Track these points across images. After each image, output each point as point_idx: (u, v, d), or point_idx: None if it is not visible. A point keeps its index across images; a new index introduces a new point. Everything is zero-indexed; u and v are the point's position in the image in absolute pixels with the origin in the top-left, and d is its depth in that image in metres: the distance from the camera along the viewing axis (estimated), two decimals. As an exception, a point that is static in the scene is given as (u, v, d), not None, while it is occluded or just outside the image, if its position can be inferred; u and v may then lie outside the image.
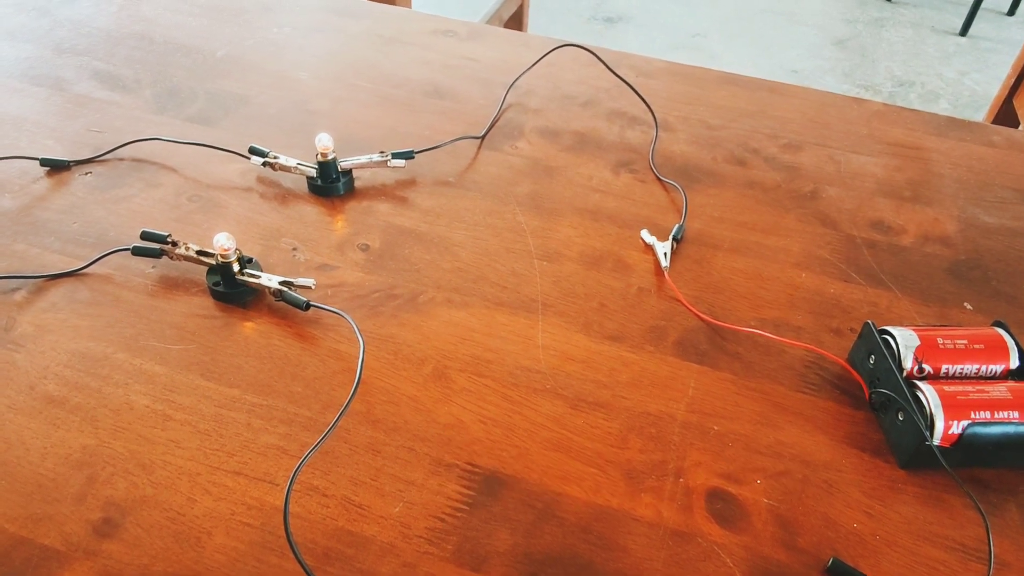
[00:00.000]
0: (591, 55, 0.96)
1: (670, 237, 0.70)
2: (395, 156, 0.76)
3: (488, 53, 0.97)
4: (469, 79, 0.92)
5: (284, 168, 0.75)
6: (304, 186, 0.75)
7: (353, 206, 0.73)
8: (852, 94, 0.89)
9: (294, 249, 0.68)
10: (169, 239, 0.64)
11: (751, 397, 0.58)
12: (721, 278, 0.68)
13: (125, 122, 0.82)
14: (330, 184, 0.74)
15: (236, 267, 0.62)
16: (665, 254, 0.68)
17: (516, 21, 2.52)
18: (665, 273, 0.67)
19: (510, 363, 0.59)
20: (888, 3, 3.38)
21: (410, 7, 2.04)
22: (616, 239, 0.71)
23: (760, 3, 3.39)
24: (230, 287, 0.63)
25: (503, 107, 0.87)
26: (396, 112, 0.86)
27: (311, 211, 0.73)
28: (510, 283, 0.66)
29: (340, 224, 0.71)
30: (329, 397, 0.56)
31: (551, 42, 0.98)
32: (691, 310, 0.64)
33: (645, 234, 0.71)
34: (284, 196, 0.74)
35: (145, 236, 0.64)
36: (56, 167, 0.75)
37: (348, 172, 0.75)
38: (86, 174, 0.75)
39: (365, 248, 0.69)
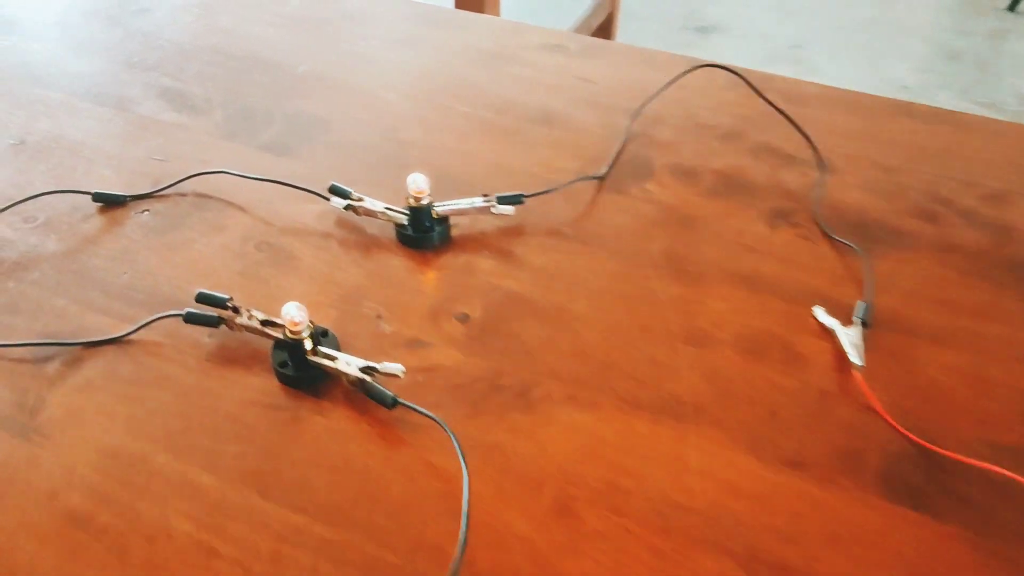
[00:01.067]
0: (729, 76, 0.80)
1: (855, 319, 0.54)
2: (501, 201, 0.62)
3: (605, 72, 0.83)
4: (584, 104, 0.78)
5: (369, 213, 0.62)
6: (391, 233, 0.62)
7: (449, 261, 0.60)
8: (973, 112, 0.69)
9: (378, 317, 0.56)
10: (230, 304, 0.53)
11: (997, 568, 0.42)
12: (928, 380, 0.52)
13: (191, 148, 0.71)
14: (423, 234, 0.61)
15: (308, 345, 0.50)
16: (855, 346, 0.52)
17: (605, 30, 2.37)
18: (855, 371, 0.51)
19: (655, 495, 0.45)
20: (1010, 13, 3.07)
21: (498, 15, 1.92)
22: (781, 317, 0.56)
23: (865, 12, 3.14)
24: (300, 369, 0.50)
25: (627, 139, 0.73)
26: (499, 143, 0.73)
27: (400, 267, 0.60)
28: (649, 376, 0.52)
29: (434, 285, 0.58)
30: (420, 535, 0.43)
31: (682, 61, 0.83)
32: (897, 428, 0.48)
33: (820, 313, 0.55)
34: (368, 246, 0.61)
35: (202, 299, 0.53)
36: (110, 203, 0.65)
37: (444, 219, 0.62)
38: (143, 212, 0.64)
39: (464, 319, 0.56)
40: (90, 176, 0.68)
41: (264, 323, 0.52)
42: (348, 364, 0.49)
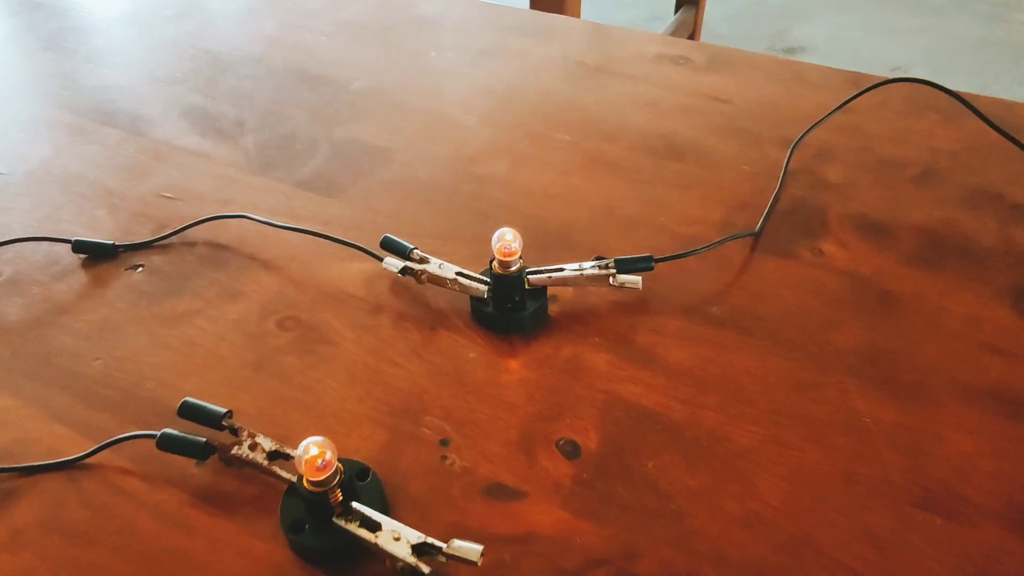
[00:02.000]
0: (912, 98, 0.60)
1: None
2: (622, 268, 0.44)
3: (742, 90, 0.64)
4: (720, 131, 0.59)
5: (436, 280, 0.45)
6: (465, 309, 0.45)
7: (547, 354, 0.42)
8: None
9: (443, 443, 0.38)
10: (227, 423, 0.36)
11: None
12: None
13: (213, 183, 0.56)
14: (511, 313, 0.43)
15: (337, 499, 0.32)
16: None
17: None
18: None
19: None
20: None
21: (578, 17, 1.76)
22: (1074, 470, 0.35)
23: (976, 31, 2.85)
24: (322, 537, 0.33)
25: (784, 179, 0.54)
26: (612, 182, 0.55)
27: (477, 361, 0.42)
28: (870, 564, 0.32)
29: (525, 391, 0.40)
30: None
31: (846, 77, 0.64)
32: None
33: None
34: (433, 328, 0.44)
35: (188, 413, 0.36)
36: (96, 254, 0.49)
37: (540, 291, 0.44)
38: (136, 268, 0.48)
39: (573, 451, 0.37)
40: (80, 218, 0.53)
41: (272, 456, 0.34)
42: (396, 539, 0.31)
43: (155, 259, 0.49)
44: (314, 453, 0.31)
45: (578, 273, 0.44)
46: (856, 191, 0.53)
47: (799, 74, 0.65)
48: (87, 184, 0.56)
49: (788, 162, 0.55)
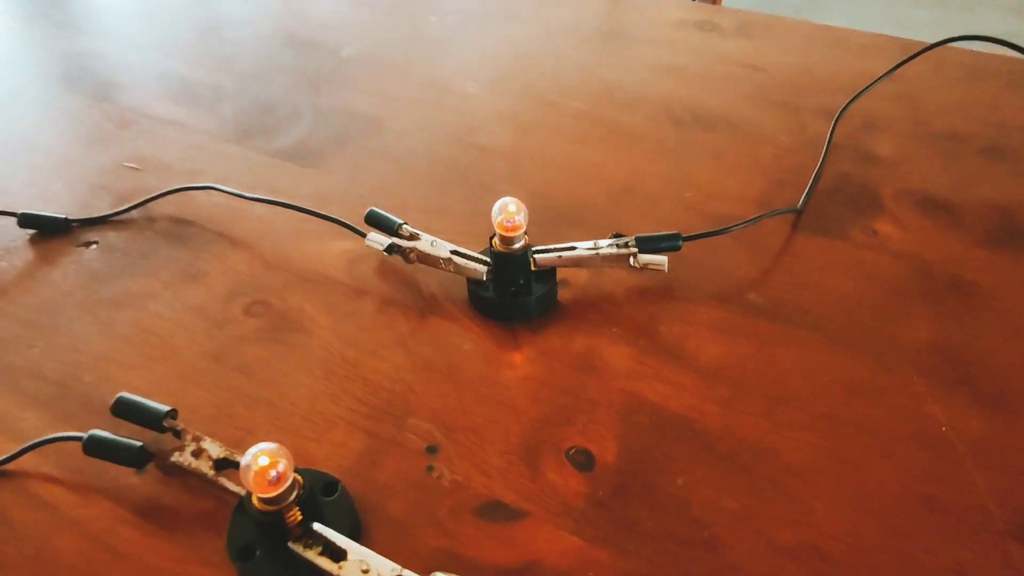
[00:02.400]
0: (967, 63, 0.53)
1: None
2: (644, 247, 0.37)
3: (779, 58, 0.57)
4: (753, 100, 0.53)
5: (427, 259, 0.39)
6: (461, 294, 0.38)
7: (558, 349, 0.36)
8: None
9: (430, 451, 0.31)
10: (168, 424, 0.29)
11: None
12: None
13: (183, 153, 0.50)
14: (514, 298, 0.37)
15: (295, 520, 0.26)
16: None
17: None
18: None
19: None
20: None
21: None
22: None
23: (1000, 26, 2.77)
24: (276, 567, 0.26)
25: (828, 152, 0.47)
26: (629, 153, 0.48)
27: (474, 355, 0.36)
28: (970, 623, 0.26)
29: (531, 390, 0.34)
30: None
31: (892, 42, 0.57)
32: None
33: None
34: (422, 315, 0.38)
35: (123, 410, 0.30)
36: (46, 229, 0.43)
37: (548, 274, 0.38)
38: (89, 245, 0.43)
39: (586, 463, 0.31)
40: (31, 189, 0.47)
41: (220, 465, 0.28)
42: (364, 571, 0.25)
43: (111, 236, 0.43)
44: (264, 464, 0.25)
45: (593, 252, 0.37)
46: (912, 166, 0.46)
47: (840, 39, 0.59)
48: (46, 152, 0.50)
49: (832, 134, 0.48)
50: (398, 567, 0.25)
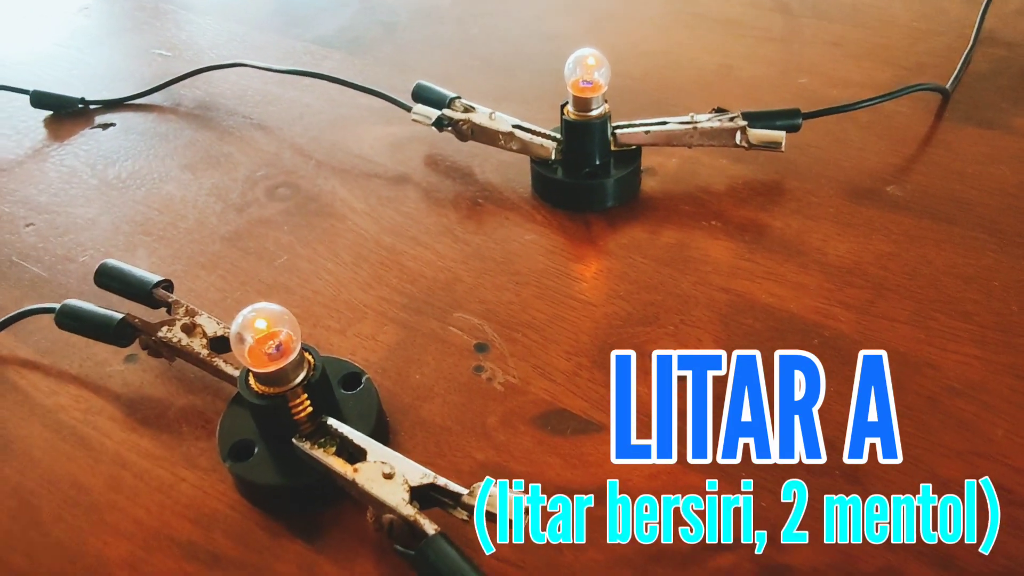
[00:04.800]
0: None
1: None
2: (754, 121, 0.30)
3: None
4: (877, -14, 0.44)
5: (484, 133, 0.32)
6: (524, 181, 0.32)
7: (641, 241, 0.29)
8: None
9: (479, 349, 0.25)
10: (158, 294, 0.24)
11: None
12: None
13: (217, 39, 0.44)
14: (589, 180, 0.30)
15: (302, 410, 0.20)
16: None
17: None
18: None
19: None
20: None
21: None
22: None
23: None
24: (278, 469, 0.21)
25: (978, 35, 0.38)
26: (726, 39, 0.41)
27: (537, 246, 0.29)
28: None
29: (607, 286, 0.27)
30: None
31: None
32: None
33: None
34: (475, 202, 0.31)
35: (106, 278, 0.24)
36: (61, 110, 0.39)
37: (632, 155, 0.31)
38: (106, 127, 0.38)
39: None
40: (68, 76, 0.42)
41: (216, 344, 0.23)
42: (386, 475, 0.19)
43: (131, 118, 0.38)
44: (261, 328, 0.19)
45: (689, 127, 0.30)
46: (1087, 51, 0.37)
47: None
48: (79, 40, 0.45)
49: (982, 17, 0.39)
50: (430, 473, 0.19)
